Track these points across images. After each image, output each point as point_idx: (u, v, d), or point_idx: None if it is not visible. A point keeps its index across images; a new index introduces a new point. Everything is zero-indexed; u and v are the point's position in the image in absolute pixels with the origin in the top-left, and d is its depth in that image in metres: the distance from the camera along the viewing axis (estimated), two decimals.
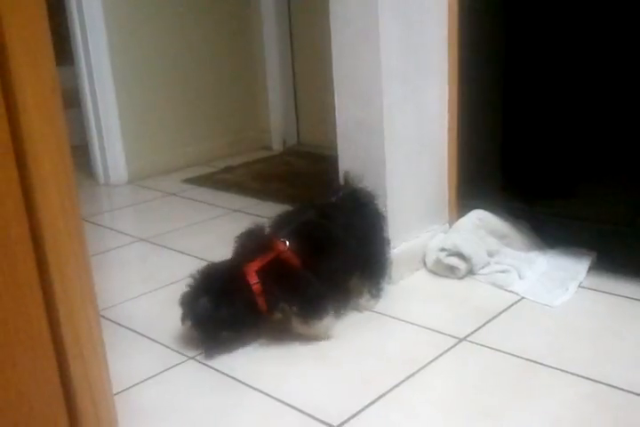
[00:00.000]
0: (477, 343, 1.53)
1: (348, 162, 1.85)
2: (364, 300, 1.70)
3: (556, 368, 1.42)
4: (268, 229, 1.60)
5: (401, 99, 1.77)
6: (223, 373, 1.47)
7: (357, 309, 1.71)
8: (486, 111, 1.94)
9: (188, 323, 1.53)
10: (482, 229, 1.91)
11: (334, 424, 1.28)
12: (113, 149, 2.99)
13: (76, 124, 3.08)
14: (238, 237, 1.60)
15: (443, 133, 1.92)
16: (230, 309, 1.48)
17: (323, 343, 1.57)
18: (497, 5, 1.86)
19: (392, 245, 1.83)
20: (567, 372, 1.40)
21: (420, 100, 1.83)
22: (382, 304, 1.74)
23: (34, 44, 0.49)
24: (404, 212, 1.86)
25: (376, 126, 1.75)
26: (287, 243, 1.52)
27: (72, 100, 3.08)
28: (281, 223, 1.60)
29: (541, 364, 1.44)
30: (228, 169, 3.10)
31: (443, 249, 1.84)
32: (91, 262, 0.59)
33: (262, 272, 1.50)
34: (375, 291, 1.71)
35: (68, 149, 0.54)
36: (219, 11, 3.20)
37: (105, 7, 2.83)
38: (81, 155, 3.26)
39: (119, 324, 1.71)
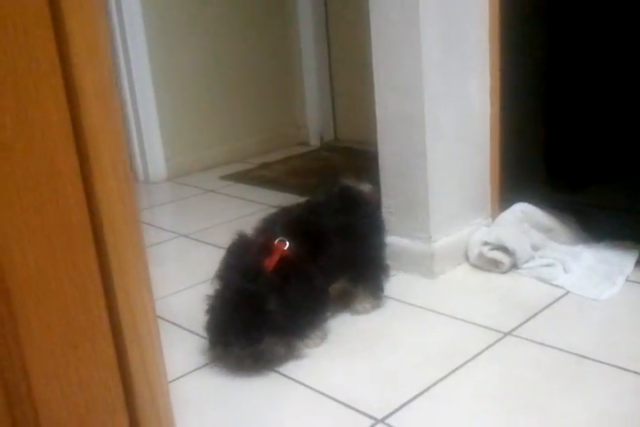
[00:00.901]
0: (522, 337, 1.51)
1: (389, 155, 1.83)
2: (359, 304, 1.65)
3: (603, 362, 1.39)
4: (259, 232, 1.52)
5: (442, 92, 1.75)
6: None
7: (353, 313, 1.66)
8: (529, 103, 1.91)
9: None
10: (526, 222, 1.88)
11: (378, 417, 1.27)
12: (152, 146, 3.02)
13: None
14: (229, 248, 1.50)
15: (485, 126, 1.90)
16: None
17: (365, 337, 1.56)
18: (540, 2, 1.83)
19: (433, 238, 1.81)
20: (614, 366, 1.37)
21: (461, 93, 1.81)
22: (424, 298, 1.72)
23: (94, 43, 0.49)
24: (445, 205, 1.84)
25: (417, 119, 1.73)
26: (287, 243, 1.44)
27: None
28: (273, 222, 1.53)
29: (587, 358, 1.41)
30: (264, 165, 3.11)
31: (486, 243, 1.82)
32: (145, 249, 0.60)
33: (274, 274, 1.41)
34: (371, 296, 1.66)
35: (124, 141, 0.54)
36: (256, 7, 3.21)
37: (143, 4, 2.86)
38: None
39: (162, 318, 1.72)
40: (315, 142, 3.40)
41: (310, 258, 1.46)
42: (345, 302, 1.68)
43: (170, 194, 2.95)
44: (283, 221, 1.51)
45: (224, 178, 2.99)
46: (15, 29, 0.46)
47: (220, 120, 3.19)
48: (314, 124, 3.41)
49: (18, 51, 0.46)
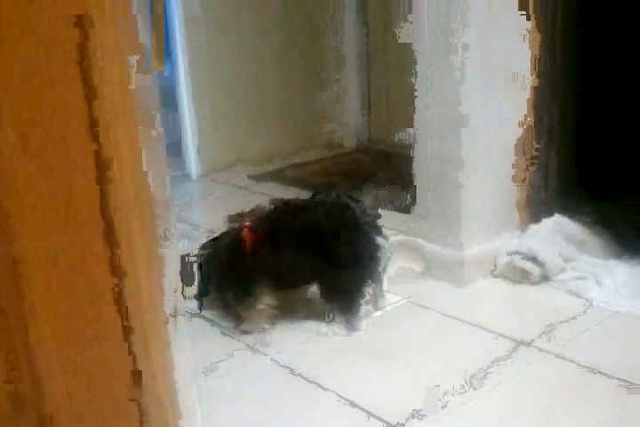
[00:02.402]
0: (544, 350, 1.49)
1: (424, 163, 1.82)
2: (328, 322, 1.60)
3: (625, 381, 1.36)
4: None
5: (479, 104, 1.73)
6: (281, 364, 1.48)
7: (319, 334, 1.60)
8: (564, 113, 1.88)
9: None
10: (558, 234, 1.85)
11: (393, 423, 1.28)
12: (187, 143, 3.04)
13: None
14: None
15: (520, 137, 1.87)
16: None
17: (387, 344, 1.56)
18: (577, 21, 1.81)
19: (464, 246, 1.80)
20: (634, 384, 1.35)
21: (498, 102, 1.79)
22: (449, 306, 1.71)
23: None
24: (478, 214, 1.82)
25: (455, 129, 1.72)
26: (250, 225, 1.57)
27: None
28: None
29: (610, 376, 1.39)
30: (296, 165, 3.11)
31: (517, 253, 1.80)
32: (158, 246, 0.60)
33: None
34: (343, 315, 1.58)
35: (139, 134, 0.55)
36: (298, 9, 3.20)
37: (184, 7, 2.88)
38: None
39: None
40: (349, 144, 3.39)
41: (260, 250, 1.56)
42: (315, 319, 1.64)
43: (204, 190, 2.95)
44: (253, 216, 1.61)
45: (256, 177, 2.99)
46: None
47: (254, 119, 3.18)
48: (349, 125, 3.39)
49: None
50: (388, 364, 1.48)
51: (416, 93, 1.77)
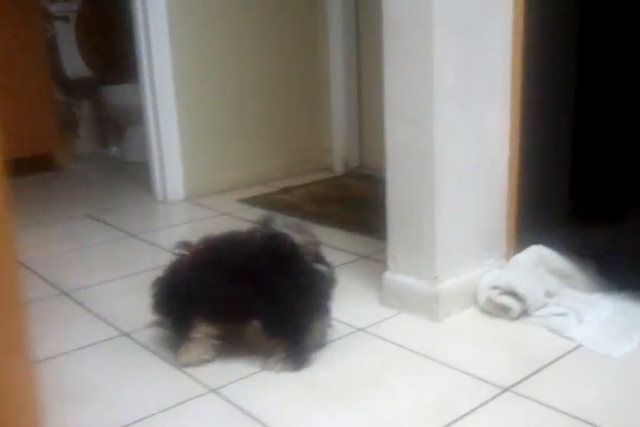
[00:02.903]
0: (524, 395, 1.37)
1: (397, 188, 1.73)
2: (272, 362, 1.49)
3: None
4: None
5: (456, 121, 1.64)
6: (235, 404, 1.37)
7: (263, 368, 1.50)
8: (552, 138, 1.79)
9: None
10: (541, 266, 1.75)
11: None
12: (172, 166, 2.97)
13: (141, 141, 3.09)
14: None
15: (503, 160, 1.78)
16: None
17: (353, 383, 1.45)
18: (568, 26, 1.72)
19: (439, 279, 1.69)
20: None
21: (478, 123, 1.70)
22: (423, 344, 1.60)
23: None
24: (454, 243, 1.72)
25: (426, 150, 1.62)
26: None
27: (136, 117, 3.09)
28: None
29: (594, 424, 1.27)
30: (285, 190, 3.03)
31: (495, 287, 1.69)
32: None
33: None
34: (289, 360, 1.48)
35: None
36: (283, 30, 3.15)
37: (170, 26, 2.82)
38: (140, 171, 3.28)
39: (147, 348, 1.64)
40: (339, 168, 3.31)
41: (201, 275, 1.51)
42: (260, 354, 1.53)
43: (185, 215, 2.89)
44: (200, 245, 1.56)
45: (242, 201, 2.92)
46: None
47: (242, 143, 3.12)
48: (339, 149, 3.31)
49: None
50: (343, 406, 1.37)
51: (386, 115, 1.68)
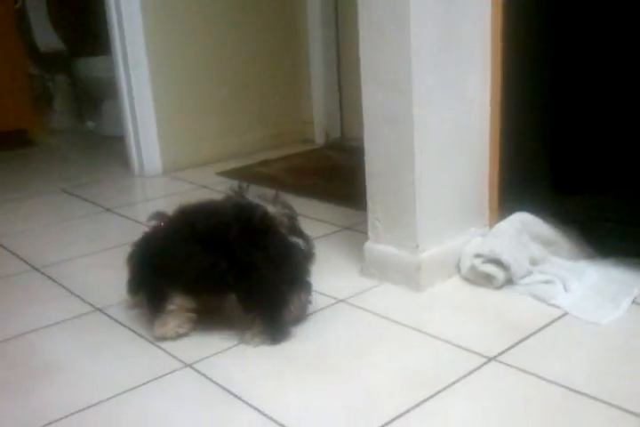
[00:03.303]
0: (509, 364, 1.34)
1: (377, 156, 1.67)
2: (249, 336, 1.44)
3: (599, 399, 1.21)
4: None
5: (434, 86, 1.58)
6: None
7: (240, 341, 1.46)
8: (534, 102, 1.73)
9: None
10: (525, 233, 1.70)
11: None
12: (148, 140, 2.89)
13: (117, 115, 3.01)
14: None
15: (484, 127, 1.72)
16: None
17: (335, 355, 1.41)
18: None
19: (420, 248, 1.65)
20: (611, 404, 1.20)
21: (457, 88, 1.64)
22: (405, 314, 1.56)
23: None
24: (435, 211, 1.67)
25: (405, 117, 1.57)
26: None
27: (112, 90, 3.00)
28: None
29: (581, 393, 1.23)
30: (264, 162, 2.97)
31: (478, 255, 1.65)
32: None
33: None
34: (266, 334, 1.43)
35: None
36: (262, 1, 3.07)
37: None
38: (117, 145, 3.19)
39: (121, 322, 1.59)
40: (320, 140, 3.24)
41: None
42: (238, 328, 1.48)
43: (163, 189, 2.82)
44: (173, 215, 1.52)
45: (221, 174, 2.86)
46: None
47: (220, 115, 3.05)
48: (320, 120, 3.25)
49: None
50: (324, 379, 1.33)
51: (362, 80, 1.62)
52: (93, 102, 3.91)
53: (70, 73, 3.92)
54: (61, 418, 1.24)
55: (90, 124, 4.01)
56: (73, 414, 1.25)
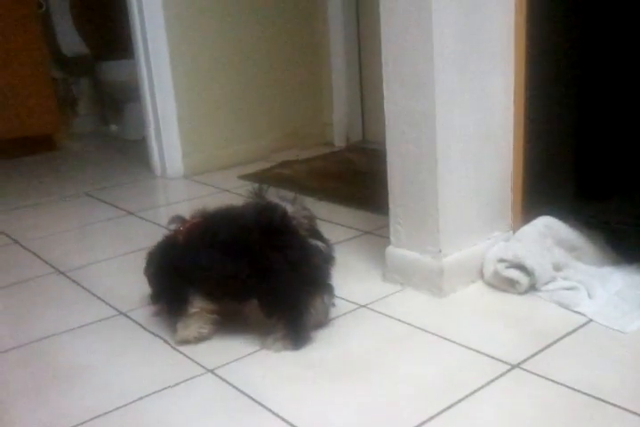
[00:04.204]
0: (532, 372, 1.32)
1: (398, 159, 1.67)
2: (271, 341, 1.44)
3: (624, 409, 1.19)
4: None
5: (457, 88, 1.57)
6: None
7: (266, 347, 1.45)
8: (560, 103, 1.71)
9: None
10: (549, 238, 1.68)
11: None
12: (170, 142, 2.91)
13: (136, 119, 3.03)
14: None
15: (508, 128, 1.71)
16: None
17: (356, 362, 1.40)
18: None
19: (443, 252, 1.64)
20: (636, 413, 1.18)
21: (481, 89, 1.62)
22: (428, 320, 1.55)
23: None
24: (459, 215, 1.66)
25: (428, 120, 1.56)
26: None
27: (135, 94, 3.03)
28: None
29: (607, 402, 1.21)
30: (284, 164, 2.97)
31: (502, 260, 1.63)
32: None
33: None
34: (288, 339, 1.43)
35: None
36: (283, 2, 3.07)
37: (164, 0, 2.74)
38: (140, 149, 3.22)
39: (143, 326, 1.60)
40: (340, 143, 3.24)
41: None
42: (259, 332, 1.48)
43: (184, 192, 2.84)
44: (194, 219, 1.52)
45: (242, 177, 2.86)
46: None
47: (242, 118, 3.06)
48: (340, 123, 3.25)
49: None
50: (345, 385, 1.32)
51: (384, 81, 1.61)
52: (116, 106, 3.94)
53: (94, 77, 3.95)
54: (84, 422, 1.25)
55: (113, 127, 4.04)
56: (95, 418, 1.26)
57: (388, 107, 1.63)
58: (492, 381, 1.31)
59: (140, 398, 1.31)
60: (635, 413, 1.18)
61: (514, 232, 1.76)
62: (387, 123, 1.65)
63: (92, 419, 1.25)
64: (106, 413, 1.27)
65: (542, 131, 1.72)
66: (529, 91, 1.68)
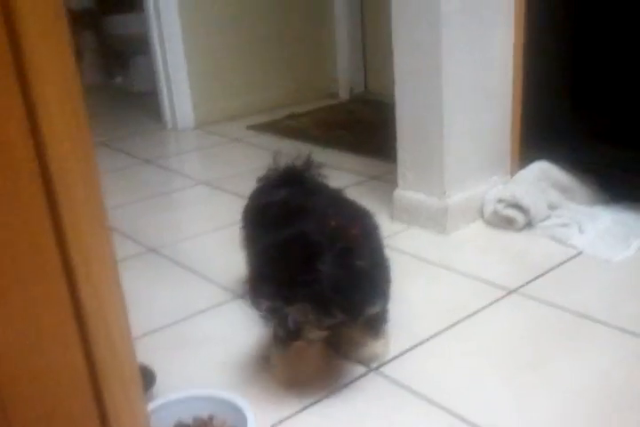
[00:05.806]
0: (528, 296, 1.50)
1: (406, 108, 1.80)
2: (362, 349, 1.28)
3: (610, 325, 1.37)
4: None
5: (461, 43, 1.70)
6: None
7: (360, 361, 1.30)
8: (555, 56, 1.84)
9: None
10: (544, 180, 1.84)
11: (371, 367, 1.29)
12: (180, 94, 3.01)
13: (146, 71, 3.12)
14: None
15: (507, 79, 1.84)
16: None
17: None
18: None
19: (447, 194, 1.79)
20: (621, 329, 1.35)
21: (482, 44, 1.75)
22: (433, 254, 1.71)
23: None
24: (461, 160, 1.81)
25: (434, 72, 1.69)
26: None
27: (140, 47, 3.11)
28: None
29: (594, 319, 1.39)
30: (291, 116, 3.09)
31: (500, 200, 1.79)
32: (100, 186, 0.60)
33: None
34: (373, 331, 1.27)
35: (74, 71, 0.53)
36: None
37: None
38: (150, 100, 3.32)
39: (175, 261, 1.75)
40: (344, 94, 3.35)
41: None
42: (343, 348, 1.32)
43: (196, 142, 2.96)
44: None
45: (251, 128, 2.98)
46: None
47: (249, 70, 3.16)
48: (344, 75, 3.35)
49: None
50: None
51: (393, 35, 1.73)
52: (122, 59, 4.01)
53: (99, 30, 4.01)
54: None
55: (118, 79, 4.12)
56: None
57: (398, 62, 1.75)
58: (492, 303, 1.48)
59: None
60: (616, 327, 1.36)
61: (511, 176, 1.92)
62: (395, 76, 1.78)
63: None
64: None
65: (539, 83, 1.85)
66: (526, 45, 1.81)
